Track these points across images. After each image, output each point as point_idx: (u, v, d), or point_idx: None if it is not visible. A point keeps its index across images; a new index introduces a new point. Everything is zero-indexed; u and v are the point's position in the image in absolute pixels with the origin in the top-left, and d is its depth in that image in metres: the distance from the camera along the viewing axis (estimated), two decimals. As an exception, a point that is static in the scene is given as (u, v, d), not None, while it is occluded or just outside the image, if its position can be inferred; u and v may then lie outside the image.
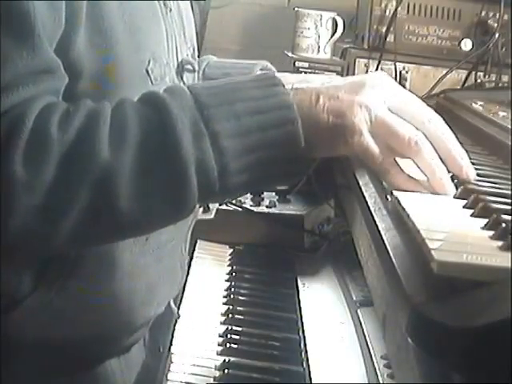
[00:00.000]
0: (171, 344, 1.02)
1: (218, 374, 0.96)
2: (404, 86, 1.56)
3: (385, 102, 0.74)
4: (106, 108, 0.69)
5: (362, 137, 0.72)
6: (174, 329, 1.06)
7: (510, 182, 0.83)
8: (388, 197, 0.77)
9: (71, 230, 0.67)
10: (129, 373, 1.01)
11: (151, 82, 0.84)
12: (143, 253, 0.89)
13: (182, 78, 0.92)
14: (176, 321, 1.08)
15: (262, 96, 0.71)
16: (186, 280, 1.19)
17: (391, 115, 0.73)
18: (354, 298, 1.15)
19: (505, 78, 1.56)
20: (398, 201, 0.71)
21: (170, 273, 0.99)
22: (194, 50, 0.98)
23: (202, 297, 1.17)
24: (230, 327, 1.06)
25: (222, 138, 0.68)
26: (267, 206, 1.39)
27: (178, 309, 1.11)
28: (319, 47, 1.69)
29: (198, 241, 1.36)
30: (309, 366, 0.97)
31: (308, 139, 0.71)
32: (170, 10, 0.90)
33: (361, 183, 0.97)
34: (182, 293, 1.15)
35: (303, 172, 0.75)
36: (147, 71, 0.83)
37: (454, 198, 0.78)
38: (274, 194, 1.45)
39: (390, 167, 0.75)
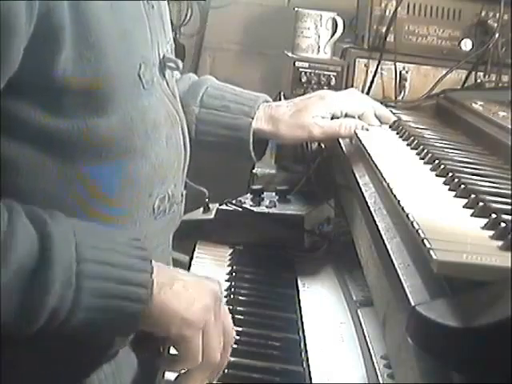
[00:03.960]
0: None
1: (218, 374, 0.96)
2: (404, 86, 1.57)
3: None
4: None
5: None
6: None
7: (510, 182, 0.83)
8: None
9: None
10: (119, 374, 0.97)
11: (143, 87, 0.83)
12: None
13: (164, 76, 0.90)
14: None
15: (132, 268, 0.75)
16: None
17: None
18: (354, 298, 1.15)
19: (505, 78, 1.56)
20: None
21: None
22: (171, 43, 0.96)
23: (202, 297, 1.17)
24: (230, 327, 1.06)
25: (84, 294, 0.71)
26: (267, 206, 1.39)
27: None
28: (319, 47, 1.69)
29: (198, 241, 1.36)
30: (309, 365, 0.97)
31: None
32: (153, 7, 0.88)
33: (361, 183, 0.97)
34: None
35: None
36: (139, 76, 0.82)
37: (454, 197, 0.78)
38: (274, 194, 1.45)
39: None
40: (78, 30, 0.74)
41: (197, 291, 0.80)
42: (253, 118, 1.14)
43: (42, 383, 0.85)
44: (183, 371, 0.82)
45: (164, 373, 0.91)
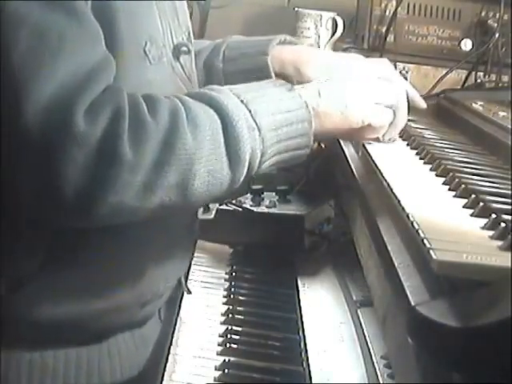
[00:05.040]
0: (171, 344, 1.02)
1: (217, 374, 0.96)
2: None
3: None
4: (179, 103, 0.81)
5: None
6: (174, 328, 1.06)
7: (510, 182, 0.83)
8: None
9: (155, 205, 0.79)
10: (144, 349, 1.03)
11: (149, 62, 0.87)
12: (150, 226, 0.90)
13: (178, 60, 0.95)
14: (176, 320, 1.08)
15: (284, 97, 0.89)
16: (186, 280, 1.20)
17: None
18: (354, 298, 1.15)
19: (505, 78, 1.56)
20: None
21: (177, 247, 1.01)
22: (189, 34, 1.01)
23: (202, 297, 1.17)
24: (229, 327, 1.06)
25: (265, 130, 0.85)
26: (267, 206, 1.39)
27: (179, 308, 1.11)
28: (319, 47, 1.69)
29: (198, 241, 1.36)
30: (309, 365, 0.97)
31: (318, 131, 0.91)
32: None
33: (361, 183, 0.97)
34: (182, 293, 1.15)
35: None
36: (145, 51, 0.87)
37: (454, 197, 0.78)
38: (274, 194, 1.45)
39: None
40: (96, 4, 0.81)
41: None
42: (267, 55, 1.10)
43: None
44: None
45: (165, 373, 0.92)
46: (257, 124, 0.84)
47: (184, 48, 0.95)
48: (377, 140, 1.00)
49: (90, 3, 0.80)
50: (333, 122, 0.92)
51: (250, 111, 0.84)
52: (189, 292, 1.15)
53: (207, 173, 0.81)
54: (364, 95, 0.95)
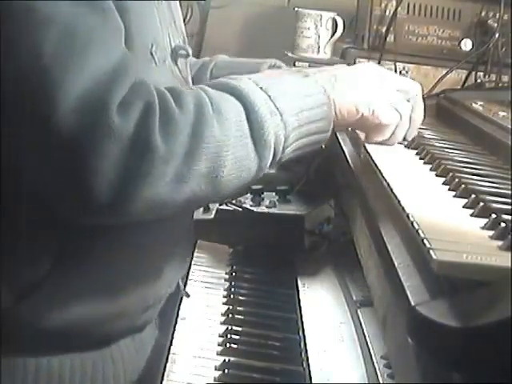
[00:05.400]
0: (171, 344, 1.02)
1: (217, 374, 0.96)
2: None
3: None
4: (202, 93, 0.82)
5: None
6: (174, 328, 1.06)
7: (510, 182, 0.83)
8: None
9: (188, 195, 0.79)
10: (143, 353, 1.03)
11: (155, 64, 0.88)
12: (154, 230, 0.91)
13: (176, 63, 0.96)
14: (176, 320, 1.08)
15: (302, 83, 0.90)
16: (186, 280, 1.20)
17: None
18: (354, 298, 1.15)
19: (505, 78, 1.56)
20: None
21: (178, 251, 1.02)
22: (184, 38, 1.02)
23: (202, 297, 1.17)
24: (230, 327, 1.06)
25: (287, 115, 0.86)
26: (267, 206, 1.39)
27: (179, 308, 1.11)
28: (319, 47, 1.69)
29: (198, 241, 1.36)
30: (309, 365, 0.97)
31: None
32: (161, 1, 0.94)
33: (361, 183, 0.97)
34: (179, 295, 1.15)
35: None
36: (151, 53, 0.88)
37: (454, 197, 0.78)
38: (274, 194, 1.45)
39: None
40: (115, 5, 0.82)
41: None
42: None
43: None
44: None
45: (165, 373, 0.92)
46: (278, 109, 0.85)
47: (182, 51, 0.96)
48: (384, 143, 1.00)
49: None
50: (346, 108, 0.93)
51: (269, 97, 0.85)
52: (187, 295, 1.15)
53: (235, 159, 0.82)
54: (376, 88, 0.97)
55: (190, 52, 0.99)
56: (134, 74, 0.78)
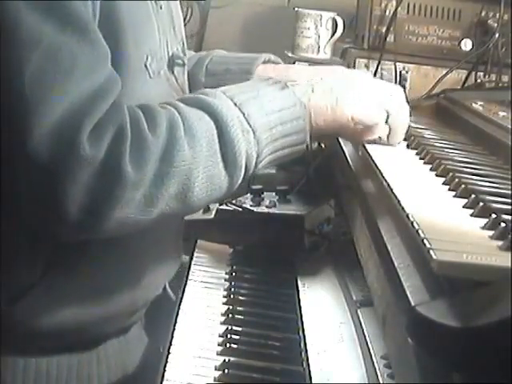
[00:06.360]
0: (171, 344, 1.01)
1: (217, 374, 0.96)
2: (404, 86, 1.57)
3: None
4: (176, 113, 0.82)
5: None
6: (174, 328, 1.06)
7: (510, 182, 0.83)
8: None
9: (157, 215, 0.81)
10: (127, 352, 1.05)
11: (149, 76, 0.89)
12: (143, 234, 0.92)
13: (172, 72, 0.96)
14: (176, 320, 1.08)
15: (278, 96, 0.89)
16: (186, 280, 1.20)
17: None
18: (354, 298, 1.14)
19: (505, 78, 1.56)
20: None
21: (167, 254, 1.05)
22: (183, 43, 1.03)
23: (202, 297, 1.17)
24: (230, 327, 1.06)
25: (260, 132, 0.86)
26: (267, 206, 1.39)
27: (179, 308, 1.11)
28: (319, 47, 1.69)
29: (198, 241, 1.36)
30: (309, 365, 0.97)
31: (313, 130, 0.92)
32: (161, 8, 0.94)
33: (361, 184, 0.97)
34: (182, 293, 1.15)
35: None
36: (145, 66, 0.88)
37: (454, 197, 0.78)
38: (274, 194, 1.45)
39: None
40: (107, 16, 0.82)
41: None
42: (251, 74, 1.12)
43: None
44: None
45: (165, 373, 0.92)
46: (251, 126, 0.85)
47: (178, 60, 0.97)
48: (377, 142, 0.99)
49: (98, 18, 0.80)
50: (323, 118, 0.92)
51: (243, 114, 0.85)
52: (174, 298, 1.16)
53: (205, 179, 0.83)
54: (354, 92, 0.95)
55: (186, 61, 1.00)
56: (115, 96, 0.78)
